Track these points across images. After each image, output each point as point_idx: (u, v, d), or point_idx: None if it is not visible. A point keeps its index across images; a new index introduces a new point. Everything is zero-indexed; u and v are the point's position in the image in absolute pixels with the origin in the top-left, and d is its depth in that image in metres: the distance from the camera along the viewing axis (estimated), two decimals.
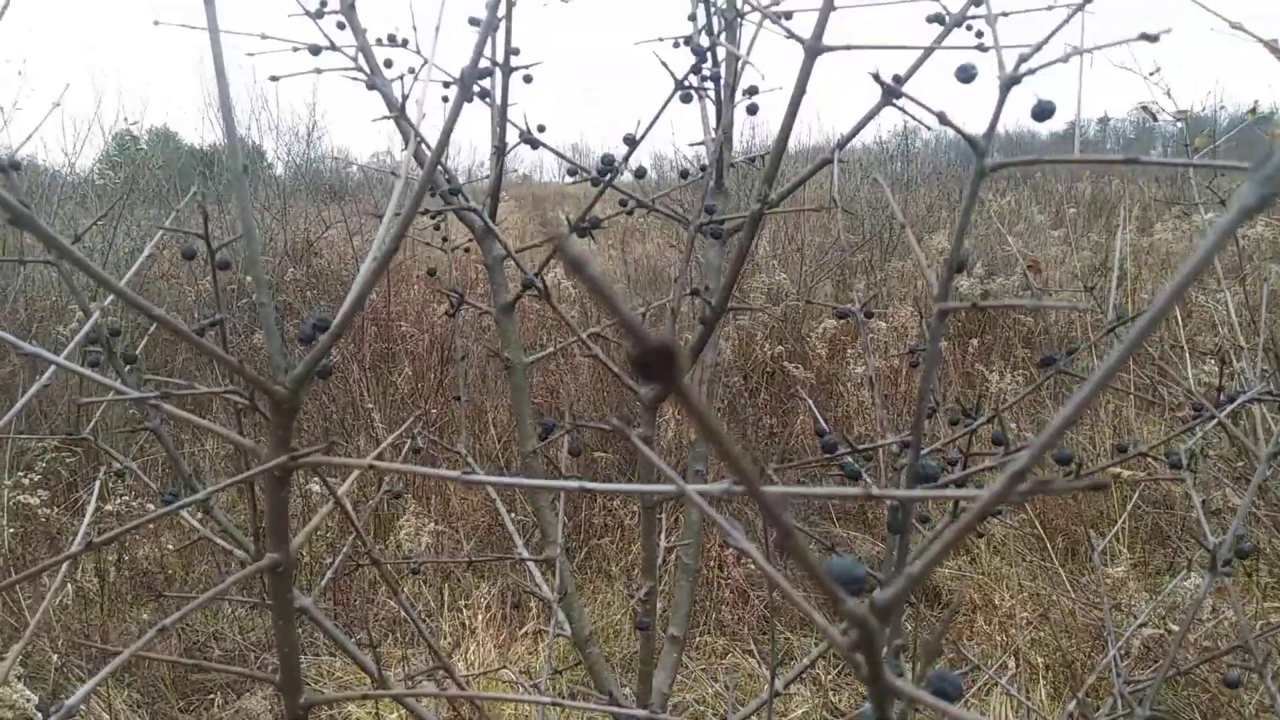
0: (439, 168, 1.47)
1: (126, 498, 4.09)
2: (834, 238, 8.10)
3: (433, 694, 1.00)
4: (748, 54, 1.33)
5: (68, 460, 4.84)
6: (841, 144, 1.39)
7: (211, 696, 3.58)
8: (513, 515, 1.97)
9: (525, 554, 1.77)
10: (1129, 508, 3.88)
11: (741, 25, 1.48)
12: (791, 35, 1.06)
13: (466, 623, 3.99)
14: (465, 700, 1.03)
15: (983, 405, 1.49)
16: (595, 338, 1.43)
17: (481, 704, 1.12)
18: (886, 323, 6.27)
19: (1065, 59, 0.69)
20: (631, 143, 1.44)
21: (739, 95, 1.46)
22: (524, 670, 3.71)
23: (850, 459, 1.36)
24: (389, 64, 1.61)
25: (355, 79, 1.56)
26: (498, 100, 1.53)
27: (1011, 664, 3.62)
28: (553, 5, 1.82)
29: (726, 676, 3.80)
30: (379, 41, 1.64)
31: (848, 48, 1.04)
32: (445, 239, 2.16)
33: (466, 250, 2.08)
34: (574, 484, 0.75)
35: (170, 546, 4.23)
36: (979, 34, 1.39)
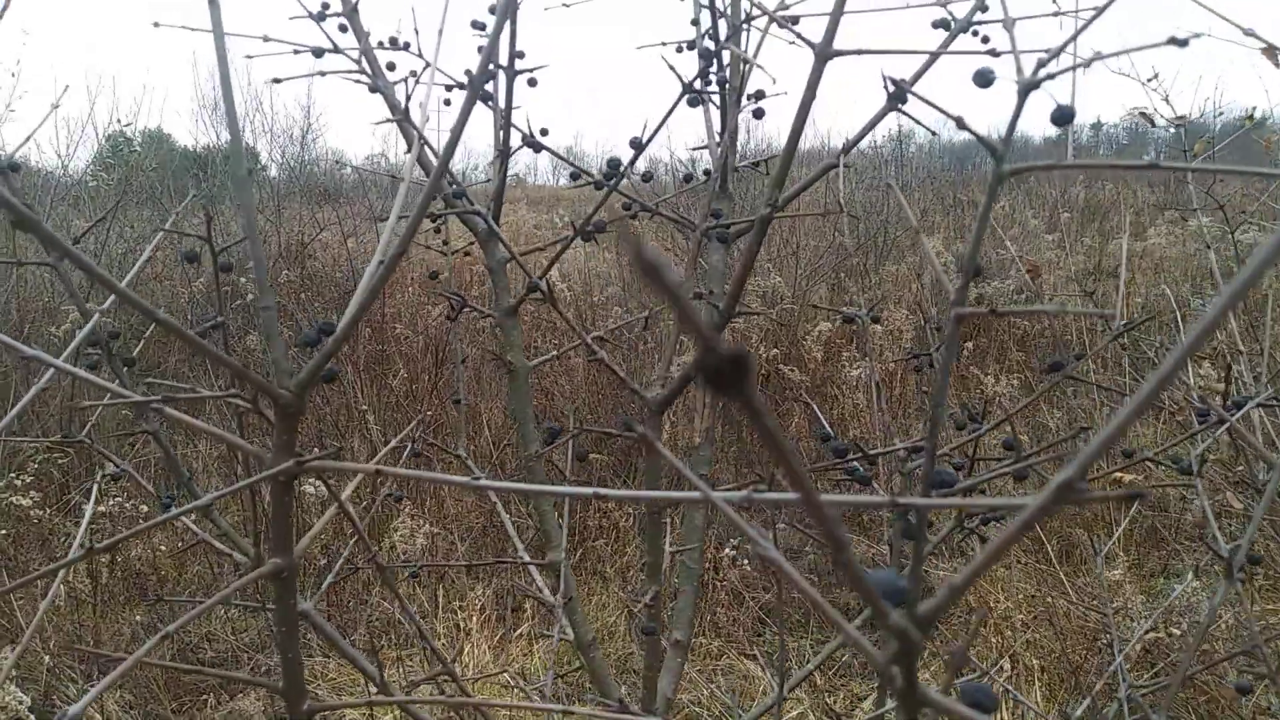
0: (445, 173, 1.46)
1: (120, 499, 4.07)
2: (829, 242, 8.11)
3: (438, 701, 0.99)
4: (756, 56, 1.33)
5: (60, 461, 4.80)
6: (847, 148, 1.38)
7: (204, 697, 3.55)
8: (509, 516, 1.95)
9: (526, 557, 1.76)
10: (1132, 511, 3.88)
11: (748, 30, 1.47)
12: (802, 39, 1.05)
13: (461, 624, 3.97)
14: (470, 707, 1.02)
15: (983, 410, 1.49)
16: (599, 341, 1.43)
17: (487, 711, 1.11)
18: (882, 326, 6.27)
19: (1088, 64, 0.68)
20: (638, 146, 1.43)
21: (744, 99, 1.45)
22: (519, 672, 3.70)
23: (857, 464, 1.35)
24: (391, 67, 1.60)
25: (358, 82, 1.54)
26: (501, 103, 1.52)
27: (1007, 666, 3.62)
28: (552, 8, 1.81)
29: (723, 679, 3.79)
30: (381, 44, 1.63)
31: (859, 52, 1.03)
32: (445, 242, 2.15)
33: (467, 254, 2.07)
34: (588, 491, 0.74)
35: (163, 548, 4.21)
36: (985, 39, 1.38)
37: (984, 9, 1.34)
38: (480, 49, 1.59)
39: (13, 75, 6.41)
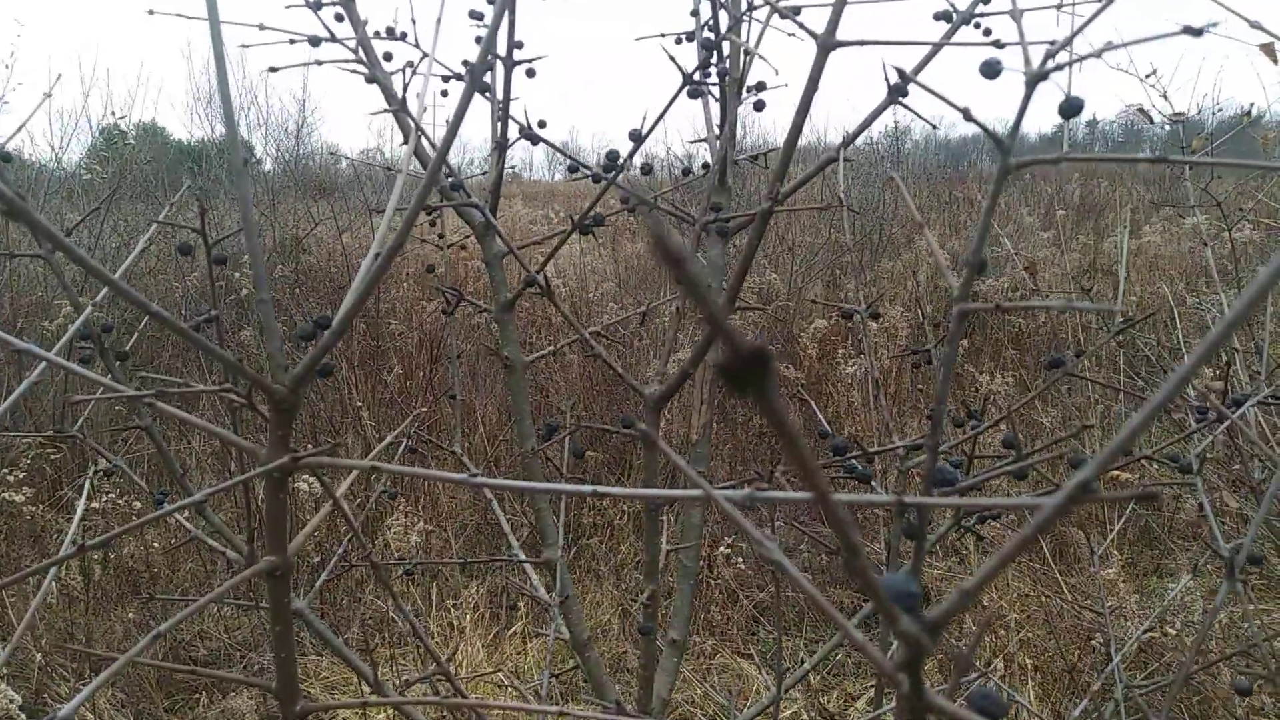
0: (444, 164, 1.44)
1: (113, 495, 4.04)
2: (825, 238, 8.10)
3: (434, 702, 0.98)
4: (757, 47, 1.31)
5: (52, 457, 4.78)
6: (847, 141, 1.37)
7: (197, 696, 3.53)
8: (504, 514, 1.94)
9: (521, 555, 1.75)
10: (1128, 510, 3.88)
11: (749, 21, 1.46)
12: (804, 29, 1.04)
13: (455, 623, 3.96)
14: (465, 708, 1.01)
15: (982, 407, 1.48)
16: (596, 336, 1.41)
17: (481, 712, 1.10)
18: (878, 323, 6.26)
19: (1099, 53, 0.67)
20: (637, 138, 1.41)
21: (745, 91, 1.44)
22: (513, 670, 3.69)
23: (856, 462, 1.34)
24: (388, 57, 1.58)
25: (355, 72, 1.53)
26: (499, 95, 1.51)
27: (1001, 665, 3.62)
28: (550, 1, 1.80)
29: (717, 678, 3.78)
30: (378, 34, 1.61)
31: (862, 43, 1.02)
32: (441, 235, 2.14)
33: (463, 248, 2.05)
34: (587, 489, 0.73)
35: (156, 545, 4.19)
36: (987, 31, 1.37)
37: (986, 0, 1.33)
38: (478, 39, 1.57)
39: (6, 67, 6.37)
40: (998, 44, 1.16)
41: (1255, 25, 1.00)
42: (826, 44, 1.04)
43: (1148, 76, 2.87)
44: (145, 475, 4.50)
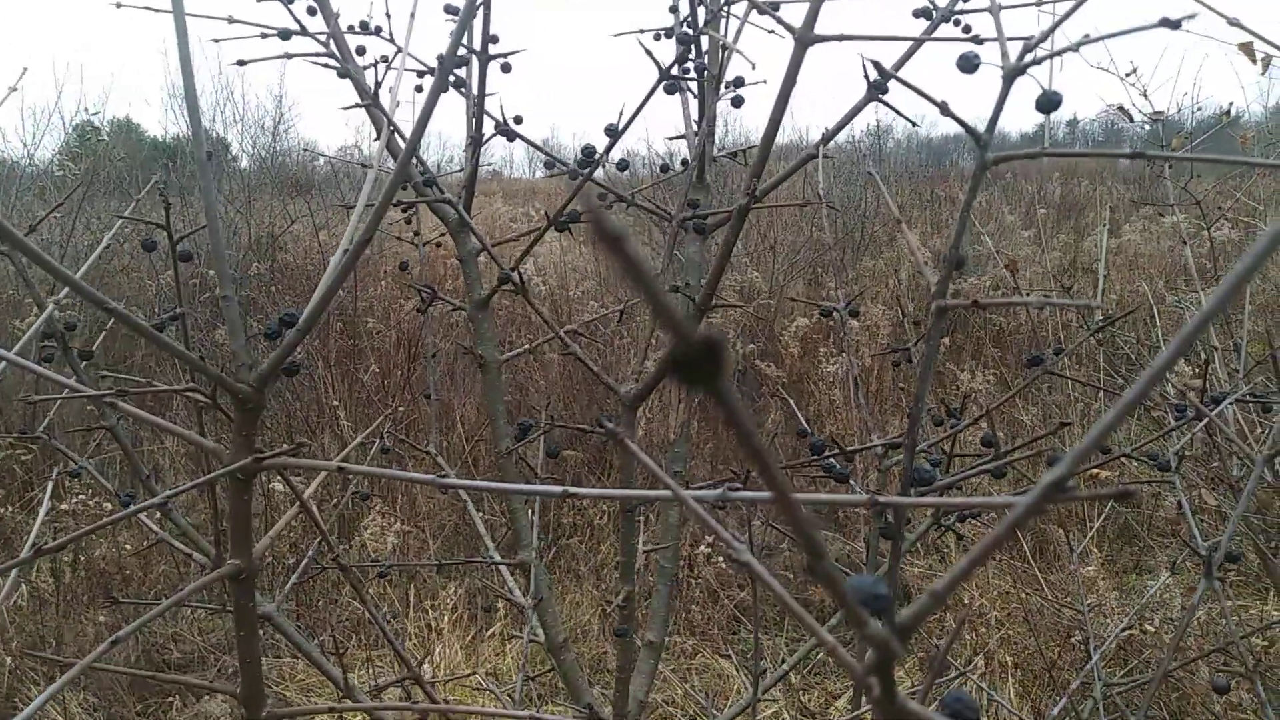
0: (413, 158, 1.42)
1: (83, 497, 3.98)
2: (806, 236, 8.10)
3: (403, 707, 0.96)
4: (735, 42, 1.30)
5: (23, 459, 4.71)
6: (827, 138, 1.36)
7: (170, 700, 3.49)
8: (481, 514, 1.92)
9: (496, 556, 1.73)
10: (1108, 508, 3.90)
11: (728, 16, 1.44)
12: (782, 24, 1.02)
13: (433, 624, 3.93)
14: (437, 712, 0.99)
15: (961, 406, 1.47)
16: (573, 335, 1.39)
17: (453, 717, 1.08)
18: (859, 321, 6.27)
19: (1077, 46, 0.66)
20: (613, 134, 1.39)
21: (723, 87, 1.43)
22: (491, 672, 3.66)
23: (834, 461, 1.33)
24: (361, 51, 1.56)
25: (327, 66, 1.50)
26: (474, 90, 1.48)
27: (981, 663, 3.62)
28: None
29: (697, 678, 3.77)
30: (351, 28, 1.58)
31: (840, 38, 1.01)
32: (416, 233, 2.11)
33: (438, 245, 2.03)
34: (558, 490, 0.71)
35: (128, 547, 4.13)
36: (967, 28, 1.36)
37: None
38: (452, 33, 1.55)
39: None
40: (977, 40, 1.15)
41: (1234, 23, 0.99)
42: (805, 39, 1.03)
43: (1128, 75, 2.88)
44: (118, 476, 4.44)
